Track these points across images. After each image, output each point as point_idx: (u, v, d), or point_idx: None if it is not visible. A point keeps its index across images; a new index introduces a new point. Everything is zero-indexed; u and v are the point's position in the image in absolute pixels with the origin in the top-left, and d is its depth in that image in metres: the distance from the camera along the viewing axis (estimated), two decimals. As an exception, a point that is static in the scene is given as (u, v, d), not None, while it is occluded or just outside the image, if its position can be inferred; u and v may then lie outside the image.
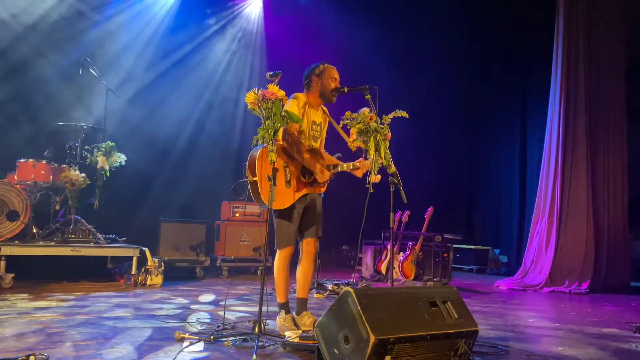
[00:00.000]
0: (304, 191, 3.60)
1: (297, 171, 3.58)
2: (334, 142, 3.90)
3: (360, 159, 3.57)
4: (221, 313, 4.04)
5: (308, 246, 3.70)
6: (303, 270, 3.70)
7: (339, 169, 3.65)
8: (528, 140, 10.26)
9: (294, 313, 3.68)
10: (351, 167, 3.61)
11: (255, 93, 3.13)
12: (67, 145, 5.96)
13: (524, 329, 4.16)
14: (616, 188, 7.58)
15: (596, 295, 6.61)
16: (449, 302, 2.77)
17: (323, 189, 3.74)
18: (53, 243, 5.44)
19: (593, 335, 3.94)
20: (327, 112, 3.84)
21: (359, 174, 3.60)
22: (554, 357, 3.13)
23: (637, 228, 8.62)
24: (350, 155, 3.71)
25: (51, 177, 5.66)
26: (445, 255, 6.93)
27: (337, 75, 3.73)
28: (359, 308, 2.47)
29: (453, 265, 7.44)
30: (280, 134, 3.54)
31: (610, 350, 3.46)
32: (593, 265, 7.14)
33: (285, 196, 3.49)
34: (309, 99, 3.70)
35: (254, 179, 3.36)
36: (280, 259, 3.60)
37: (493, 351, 3.22)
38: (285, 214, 3.54)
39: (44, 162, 5.65)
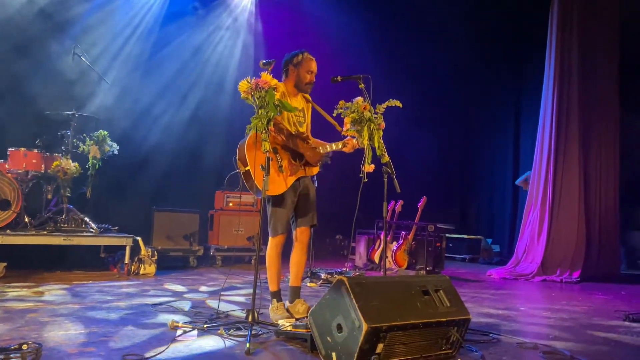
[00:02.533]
0: (297, 175, 3.59)
1: (287, 156, 3.57)
2: (325, 132, 3.88)
3: (348, 137, 3.55)
4: (215, 302, 4.05)
5: (302, 235, 3.70)
6: (297, 259, 3.71)
7: (328, 149, 3.64)
8: (521, 130, 10.31)
9: (286, 301, 3.69)
10: (340, 146, 3.61)
11: (248, 82, 3.11)
12: (59, 133, 5.92)
13: (516, 317, 4.20)
14: (608, 178, 7.63)
15: (587, 284, 6.67)
16: (441, 291, 2.78)
17: (316, 170, 3.71)
18: (45, 232, 5.41)
19: (583, 324, 3.98)
20: (310, 98, 3.81)
21: (348, 149, 3.59)
22: (544, 345, 3.16)
23: (628, 217, 8.72)
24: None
25: (43, 165, 5.62)
26: (438, 244, 6.97)
27: (314, 68, 3.68)
28: (352, 296, 2.48)
29: (446, 255, 7.49)
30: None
31: (600, 338, 3.50)
32: (584, 254, 7.21)
33: (278, 182, 3.48)
34: (287, 87, 3.67)
35: (246, 168, 3.35)
36: (272, 246, 3.60)
37: (485, 339, 3.24)
38: (279, 200, 3.54)
39: (36, 150, 5.62)
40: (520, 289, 6.24)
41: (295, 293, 3.71)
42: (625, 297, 5.61)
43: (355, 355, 2.39)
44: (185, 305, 3.99)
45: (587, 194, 7.45)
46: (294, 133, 3.60)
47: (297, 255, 3.71)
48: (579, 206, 7.34)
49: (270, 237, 3.61)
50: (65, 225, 5.59)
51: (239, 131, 3.41)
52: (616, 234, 7.71)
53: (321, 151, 3.63)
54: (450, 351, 2.75)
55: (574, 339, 3.41)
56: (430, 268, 6.80)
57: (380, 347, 2.45)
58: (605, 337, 3.54)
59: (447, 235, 8.01)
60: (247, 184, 3.41)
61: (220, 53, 8.70)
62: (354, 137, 3.49)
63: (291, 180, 3.55)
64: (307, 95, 3.81)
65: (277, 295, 3.64)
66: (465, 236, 10.02)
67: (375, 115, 3.43)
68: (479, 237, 10.07)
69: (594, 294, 5.84)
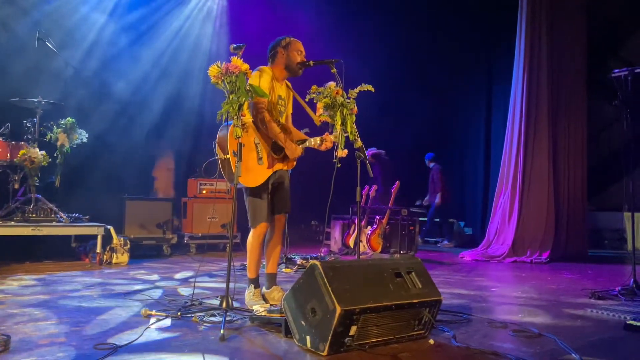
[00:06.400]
0: (275, 167, 3.59)
1: (269, 148, 3.55)
2: (299, 118, 3.87)
3: (326, 133, 3.55)
4: (189, 289, 4.03)
5: (278, 222, 3.72)
6: (273, 246, 3.73)
7: (307, 144, 3.63)
8: (493, 114, 10.44)
9: (263, 288, 3.71)
10: (319, 142, 3.57)
11: (218, 66, 3.05)
12: (25, 122, 5.76)
13: (487, 297, 4.29)
14: (576, 160, 7.82)
15: (556, 264, 6.85)
16: (413, 273, 2.82)
17: (293, 165, 3.72)
18: (13, 223, 5.28)
19: (551, 302, 4.09)
20: (291, 87, 3.80)
21: (323, 148, 3.57)
22: (513, 324, 3.24)
23: (595, 199, 8.96)
24: (316, 130, 3.68)
25: (9, 154, 5.47)
26: (411, 228, 7.06)
27: (302, 49, 3.70)
28: (326, 280, 2.50)
29: (419, 238, 7.59)
30: (245, 108, 3.51)
31: (567, 315, 3.61)
32: (553, 235, 7.39)
33: (257, 173, 3.47)
34: (275, 72, 3.65)
35: (226, 156, 3.31)
36: (254, 236, 3.58)
37: (456, 319, 3.31)
38: (257, 191, 3.52)
39: (1, 139, 5.46)
40: (492, 270, 6.37)
41: (272, 280, 3.73)
42: (592, 276, 5.79)
43: (329, 338, 2.42)
44: (159, 294, 3.97)
45: (556, 177, 7.62)
46: (278, 124, 3.56)
47: (274, 243, 3.73)
48: (548, 189, 7.51)
49: (251, 228, 3.58)
50: (34, 215, 5.46)
51: (211, 117, 3.36)
52: (584, 216, 7.92)
53: (300, 147, 3.59)
54: (423, 332, 2.80)
55: (542, 317, 3.51)
56: (404, 251, 6.88)
57: (353, 330, 2.48)
58: (572, 314, 3.65)
59: (421, 218, 8.11)
60: (225, 172, 3.38)
61: (191, 37, 8.55)
62: (332, 133, 3.47)
63: (269, 172, 3.54)
64: (289, 84, 3.79)
65: (255, 282, 3.64)
66: (438, 219, 10.16)
67: (348, 100, 3.43)
68: (451, 220, 10.22)
69: (562, 273, 6.01)
